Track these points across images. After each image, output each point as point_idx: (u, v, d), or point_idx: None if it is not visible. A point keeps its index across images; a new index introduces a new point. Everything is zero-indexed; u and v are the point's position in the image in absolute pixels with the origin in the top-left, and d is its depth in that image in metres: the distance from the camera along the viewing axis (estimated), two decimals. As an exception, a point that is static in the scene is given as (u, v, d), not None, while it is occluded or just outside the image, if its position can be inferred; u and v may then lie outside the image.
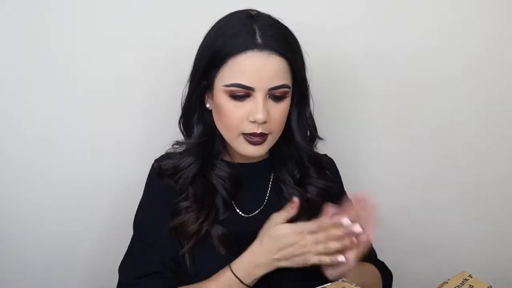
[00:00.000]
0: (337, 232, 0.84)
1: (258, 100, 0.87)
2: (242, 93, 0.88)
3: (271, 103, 0.90)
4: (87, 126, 1.21)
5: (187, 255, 0.93)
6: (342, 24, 1.23)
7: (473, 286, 0.77)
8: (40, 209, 1.23)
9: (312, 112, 1.00)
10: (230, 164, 0.98)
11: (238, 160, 0.99)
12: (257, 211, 0.98)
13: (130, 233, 1.00)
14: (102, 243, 1.25)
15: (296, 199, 0.87)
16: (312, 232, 0.85)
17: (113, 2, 1.17)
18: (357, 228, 0.84)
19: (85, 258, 1.26)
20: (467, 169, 1.32)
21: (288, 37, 0.91)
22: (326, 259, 0.84)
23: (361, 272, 0.91)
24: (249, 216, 0.98)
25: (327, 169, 1.03)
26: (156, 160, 1.01)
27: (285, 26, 0.92)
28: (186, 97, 0.97)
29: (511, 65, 1.29)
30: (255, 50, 0.87)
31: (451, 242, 1.36)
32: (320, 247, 0.84)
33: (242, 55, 0.87)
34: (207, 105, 0.96)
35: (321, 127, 1.02)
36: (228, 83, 0.88)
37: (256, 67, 0.87)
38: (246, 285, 0.87)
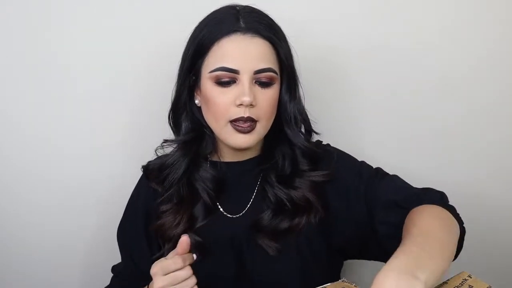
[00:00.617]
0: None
1: (243, 83, 0.87)
2: (227, 78, 0.88)
3: (258, 88, 0.89)
4: (82, 125, 1.22)
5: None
6: (336, 20, 1.23)
7: (472, 286, 0.77)
8: (37, 208, 1.24)
9: (304, 104, 0.99)
10: (217, 165, 0.97)
11: (227, 159, 0.98)
12: (242, 212, 0.97)
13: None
14: (97, 242, 1.26)
15: (184, 238, 0.82)
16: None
17: (105, 2, 1.17)
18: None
19: (81, 257, 1.27)
20: (466, 168, 1.32)
21: (272, 22, 0.92)
22: None
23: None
24: (234, 217, 0.97)
25: (322, 161, 0.98)
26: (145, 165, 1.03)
27: (268, 15, 0.93)
28: (175, 92, 0.97)
29: (511, 65, 1.29)
30: (239, 33, 0.88)
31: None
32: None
33: (226, 38, 0.88)
34: (196, 101, 0.95)
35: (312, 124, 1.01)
36: (213, 68, 0.88)
37: (240, 49, 0.87)
38: None
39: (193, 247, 0.90)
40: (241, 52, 0.87)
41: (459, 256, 1.33)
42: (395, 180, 0.97)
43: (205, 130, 0.96)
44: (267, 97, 0.90)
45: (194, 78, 0.93)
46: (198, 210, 0.95)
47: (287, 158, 0.96)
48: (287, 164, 0.96)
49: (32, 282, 1.27)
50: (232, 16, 0.90)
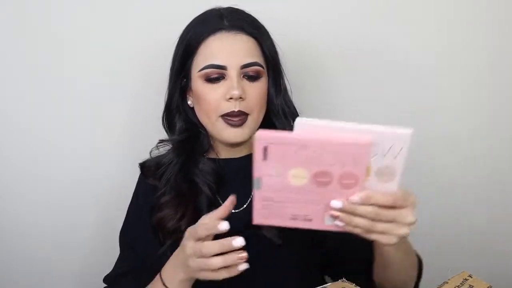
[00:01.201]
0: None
1: (232, 78, 0.90)
2: (216, 75, 0.91)
3: (246, 82, 0.92)
4: (80, 125, 1.22)
5: (169, 253, 0.93)
6: (326, 18, 1.23)
7: (473, 286, 0.77)
8: (35, 208, 1.24)
9: (291, 96, 1.00)
10: (214, 161, 0.99)
11: (223, 156, 1.00)
12: (243, 207, 0.98)
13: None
14: (95, 242, 1.26)
15: (232, 197, 0.78)
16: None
17: (103, 3, 1.17)
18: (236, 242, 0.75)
19: (79, 256, 1.27)
20: (465, 169, 1.32)
21: (255, 20, 0.96)
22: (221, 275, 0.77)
23: (409, 249, 0.88)
24: (234, 212, 0.97)
25: None
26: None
27: (250, 14, 0.96)
28: (168, 94, 0.99)
29: (510, 66, 1.29)
30: (223, 31, 0.92)
31: (451, 242, 1.35)
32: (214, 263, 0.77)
33: (212, 37, 0.92)
34: (189, 103, 0.98)
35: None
36: (202, 66, 0.91)
37: (225, 46, 0.91)
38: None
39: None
40: (227, 49, 0.91)
41: (459, 256, 1.34)
42: None
43: (199, 130, 0.98)
44: (256, 90, 0.93)
45: (185, 80, 0.96)
46: (201, 203, 0.96)
47: None
48: None
49: (31, 281, 1.27)
50: (216, 16, 0.94)
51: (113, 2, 1.17)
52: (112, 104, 1.21)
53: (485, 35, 1.26)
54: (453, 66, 1.27)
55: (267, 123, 0.98)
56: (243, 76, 0.92)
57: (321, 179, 0.64)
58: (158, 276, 0.86)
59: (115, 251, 1.04)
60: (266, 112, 0.97)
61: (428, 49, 1.26)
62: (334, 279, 0.90)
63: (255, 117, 0.93)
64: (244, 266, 0.76)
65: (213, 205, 0.96)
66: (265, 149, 0.64)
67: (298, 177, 0.65)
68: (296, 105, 1.01)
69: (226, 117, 0.91)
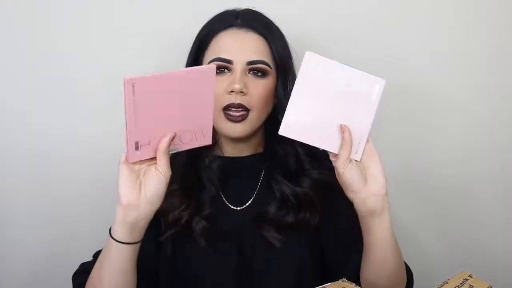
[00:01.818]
0: None
1: (236, 72, 0.92)
2: (222, 67, 0.92)
3: (251, 78, 0.94)
4: (82, 125, 1.22)
5: (169, 243, 0.96)
6: (334, 21, 1.24)
7: (473, 286, 0.77)
8: (36, 208, 1.25)
9: None
10: (220, 158, 1.00)
11: (228, 154, 1.01)
12: (246, 204, 1.00)
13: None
14: (97, 243, 1.25)
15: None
16: None
17: (108, 1, 1.17)
18: None
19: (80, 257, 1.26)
20: (465, 169, 1.33)
21: (269, 22, 0.98)
22: None
23: (397, 244, 0.90)
24: (238, 209, 1.00)
25: (323, 160, 0.99)
26: None
27: (267, 16, 0.99)
28: None
29: (510, 65, 1.29)
30: (235, 28, 0.95)
31: (451, 242, 1.36)
32: None
33: (222, 33, 0.95)
34: None
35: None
36: (210, 59, 0.94)
37: (234, 42, 0.94)
38: (114, 239, 0.81)
39: (200, 233, 0.94)
40: (235, 44, 0.94)
41: (460, 256, 1.34)
42: None
43: None
44: (260, 87, 0.94)
45: None
46: (204, 198, 0.97)
47: (290, 155, 0.99)
48: (291, 162, 0.99)
49: (31, 283, 1.27)
50: (231, 15, 0.97)
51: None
52: (115, 104, 1.20)
53: (485, 35, 1.26)
54: (454, 66, 1.27)
55: (276, 123, 0.96)
56: (248, 72, 0.93)
57: None
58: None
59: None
60: (276, 112, 0.98)
61: (430, 49, 1.26)
62: (331, 280, 0.91)
63: (257, 114, 0.94)
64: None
65: (216, 201, 0.98)
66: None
67: None
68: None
69: (226, 111, 0.92)
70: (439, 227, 1.35)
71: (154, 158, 0.78)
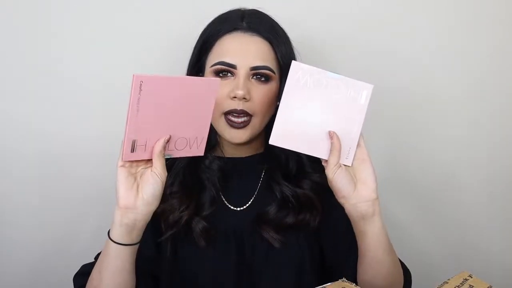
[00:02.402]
0: None
1: (239, 78, 0.91)
2: (225, 71, 0.92)
3: (254, 84, 0.93)
4: (86, 125, 1.22)
5: (168, 244, 0.96)
6: (336, 22, 1.23)
7: (473, 286, 0.77)
8: (38, 209, 1.24)
9: None
10: (220, 159, 1.01)
11: (229, 155, 1.01)
12: (246, 205, 1.00)
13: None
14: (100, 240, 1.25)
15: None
16: None
17: (110, 1, 1.17)
18: None
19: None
20: (465, 169, 1.32)
21: (274, 25, 0.97)
22: None
23: (390, 243, 0.91)
24: (238, 210, 1.00)
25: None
26: None
27: (273, 18, 0.98)
28: None
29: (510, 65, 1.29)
30: (240, 31, 0.94)
31: (451, 242, 1.36)
32: None
33: (227, 36, 0.94)
34: None
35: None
36: (214, 62, 0.93)
37: (238, 46, 0.93)
38: (113, 240, 0.82)
39: (200, 233, 0.94)
40: (240, 49, 0.92)
41: (459, 256, 1.34)
42: None
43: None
44: (263, 93, 0.93)
45: (200, 74, 0.98)
46: (204, 199, 0.97)
47: (291, 157, 0.99)
48: (292, 163, 0.99)
49: (31, 283, 1.27)
50: (237, 16, 0.95)
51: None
52: (119, 104, 1.20)
53: (485, 35, 1.26)
54: (454, 66, 1.27)
55: None
56: (252, 77, 0.93)
57: None
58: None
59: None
60: None
61: (432, 49, 1.26)
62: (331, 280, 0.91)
63: (259, 119, 0.94)
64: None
65: (216, 202, 0.98)
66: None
67: None
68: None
69: (228, 117, 0.92)
70: (438, 227, 1.35)
71: (149, 161, 0.80)
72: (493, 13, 1.25)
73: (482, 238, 1.35)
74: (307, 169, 0.99)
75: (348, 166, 0.85)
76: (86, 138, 1.22)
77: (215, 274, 0.96)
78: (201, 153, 0.85)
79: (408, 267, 1.19)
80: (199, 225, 0.95)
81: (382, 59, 1.25)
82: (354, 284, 0.80)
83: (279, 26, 0.98)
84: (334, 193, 0.85)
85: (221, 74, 0.92)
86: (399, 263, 0.95)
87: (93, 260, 0.97)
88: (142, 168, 0.80)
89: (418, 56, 1.26)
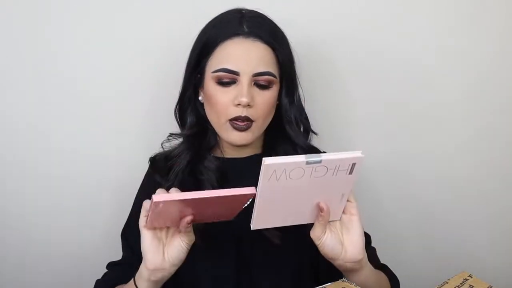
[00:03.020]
0: None
1: (243, 85, 0.92)
2: (228, 79, 0.92)
3: (256, 90, 0.93)
4: (88, 125, 1.21)
5: None
6: (337, 23, 1.23)
7: (473, 286, 0.77)
8: (42, 209, 1.24)
9: (303, 105, 1.02)
10: (220, 159, 1.01)
11: (228, 155, 1.02)
12: (246, 204, 0.99)
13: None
14: (105, 242, 1.26)
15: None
16: None
17: (113, 2, 1.17)
18: None
19: (88, 257, 1.27)
20: (465, 169, 1.32)
21: (274, 28, 0.97)
22: None
23: (378, 280, 0.92)
24: None
25: None
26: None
27: (272, 20, 0.97)
28: (182, 88, 1.01)
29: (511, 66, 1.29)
30: (241, 37, 0.93)
31: (451, 242, 1.35)
32: None
33: (229, 41, 0.93)
34: (200, 98, 1.00)
35: (313, 126, 1.05)
36: (216, 68, 0.93)
37: (241, 53, 0.92)
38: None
39: (197, 234, 0.93)
40: (242, 55, 0.92)
41: (459, 255, 1.34)
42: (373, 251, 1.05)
43: (208, 126, 1.00)
44: (265, 99, 0.94)
45: (199, 76, 0.98)
46: None
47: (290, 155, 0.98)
48: None
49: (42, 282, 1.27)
50: (237, 19, 0.94)
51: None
52: (121, 104, 1.22)
53: (486, 36, 1.26)
54: (457, 66, 1.27)
55: (279, 128, 1.00)
56: (254, 83, 0.93)
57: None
58: (132, 280, 0.88)
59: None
60: (279, 118, 0.99)
61: (432, 49, 1.26)
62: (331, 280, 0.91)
63: (260, 123, 0.95)
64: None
65: None
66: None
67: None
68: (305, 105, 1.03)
69: (233, 121, 0.93)
70: (438, 227, 1.35)
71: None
72: (494, 13, 1.25)
73: (482, 238, 1.35)
74: None
75: (337, 220, 0.84)
76: (85, 137, 1.22)
77: (214, 274, 0.96)
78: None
79: (408, 267, 1.20)
80: (196, 225, 0.94)
81: (382, 59, 1.25)
82: (353, 284, 0.80)
83: (278, 27, 0.98)
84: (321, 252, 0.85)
85: (224, 84, 0.93)
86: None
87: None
88: (167, 231, 0.83)
89: (418, 56, 1.26)
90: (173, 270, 0.83)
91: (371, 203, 1.29)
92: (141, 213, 0.81)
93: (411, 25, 1.24)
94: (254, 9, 0.98)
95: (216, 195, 0.74)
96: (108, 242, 1.22)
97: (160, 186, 0.99)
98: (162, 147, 1.06)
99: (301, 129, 1.02)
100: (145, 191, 1.05)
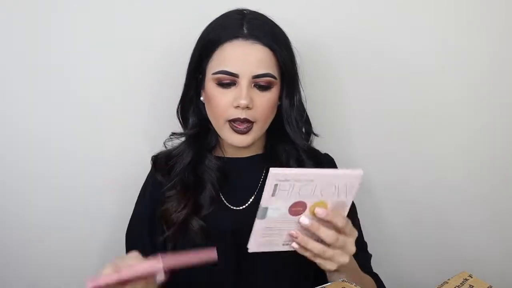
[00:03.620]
0: None
1: (242, 87, 0.92)
2: (228, 81, 0.93)
3: (256, 91, 0.94)
4: (89, 126, 1.21)
5: (169, 246, 0.98)
6: (337, 23, 1.23)
7: (473, 286, 0.77)
8: (42, 209, 1.24)
9: (305, 106, 1.02)
10: (221, 158, 1.02)
11: (229, 155, 1.03)
12: (246, 205, 1.01)
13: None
14: (109, 241, 1.26)
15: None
16: None
17: (114, 1, 1.17)
18: None
19: (91, 259, 1.27)
20: (466, 169, 1.32)
21: (275, 29, 0.97)
22: None
23: (362, 283, 0.92)
24: (237, 209, 1.00)
25: (324, 164, 1.04)
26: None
27: (273, 21, 0.98)
28: (184, 88, 1.02)
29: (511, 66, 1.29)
30: (240, 39, 0.93)
31: (451, 242, 1.35)
32: None
33: (228, 43, 0.93)
34: (201, 98, 1.01)
35: (314, 127, 1.05)
36: (215, 70, 0.93)
37: (240, 55, 0.92)
38: None
39: (197, 232, 0.96)
40: (241, 57, 0.92)
41: (459, 255, 1.34)
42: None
43: (209, 126, 1.01)
44: (265, 100, 0.94)
45: (201, 76, 0.98)
46: (204, 199, 0.99)
47: (292, 157, 1.01)
48: (292, 163, 1.00)
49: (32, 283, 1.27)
50: (237, 21, 0.94)
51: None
52: (123, 105, 1.22)
53: (487, 36, 1.26)
54: (457, 66, 1.27)
55: (279, 130, 1.00)
56: (253, 85, 0.93)
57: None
58: None
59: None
60: (279, 120, 1.00)
61: (433, 50, 1.26)
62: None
63: (261, 125, 0.96)
64: None
65: (215, 201, 0.99)
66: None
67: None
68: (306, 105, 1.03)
69: (232, 123, 0.94)
70: (438, 228, 1.35)
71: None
72: (494, 13, 1.25)
73: (482, 238, 1.35)
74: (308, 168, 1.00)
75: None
76: (85, 137, 1.22)
77: (214, 273, 0.96)
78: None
79: (408, 267, 1.20)
80: (196, 224, 0.96)
81: (382, 59, 1.25)
82: (354, 284, 0.80)
83: (279, 28, 0.98)
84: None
85: (224, 86, 0.93)
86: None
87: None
88: None
89: (419, 57, 1.26)
90: None
91: (371, 203, 1.30)
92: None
93: (411, 26, 1.24)
94: (255, 10, 0.98)
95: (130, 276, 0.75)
96: (110, 242, 1.23)
97: (161, 185, 1.01)
98: (165, 146, 1.07)
99: (303, 130, 1.02)
100: (147, 190, 1.06)
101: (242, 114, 0.92)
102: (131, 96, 1.21)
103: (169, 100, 1.07)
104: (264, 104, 0.94)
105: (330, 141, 1.14)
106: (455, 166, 1.32)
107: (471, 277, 0.79)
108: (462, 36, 1.25)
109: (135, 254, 0.81)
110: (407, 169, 1.32)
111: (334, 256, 0.80)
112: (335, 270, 0.83)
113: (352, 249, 0.82)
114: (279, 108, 1.00)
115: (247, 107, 0.92)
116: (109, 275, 0.75)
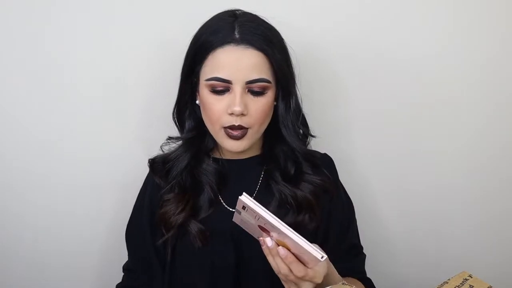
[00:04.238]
0: None
1: (235, 93, 0.90)
2: (221, 87, 0.91)
3: (250, 97, 0.92)
4: (87, 126, 1.21)
5: (169, 247, 0.99)
6: (334, 24, 1.23)
7: (473, 286, 0.77)
8: (42, 210, 1.24)
9: (301, 108, 1.02)
10: (218, 161, 1.02)
11: (227, 157, 1.02)
12: None
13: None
14: (107, 242, 1.26)
15: None
16: None
17: (111, 1, 1.17)
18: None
19: (90, 259, 1.27)
20: (466, 169, 1.32)
21: (267, 32, 0.93)
22: None
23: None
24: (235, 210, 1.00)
25: (322, 165, 1.03)
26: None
27: (267, 23, 0.95)
28: (178, 91, 1.01)
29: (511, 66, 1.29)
30: (232, 44, 0.90)
31: (451, 242, 1.35)
32: None
33: (220, 49, 0.91)
34: (197, 102, 0.99)
35: (313, 127, 1.05)
36: (208, 77, 0.91)
37: (233, 61, 0.90)
38: None
39: (195, 235, 0.96)
40: (234, 63, 0.90)
41: (459, 255, 1.34)
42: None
43: (206, 129, 1.00)
44: (259, 106, 0.93)
45: (195, 80, 0.97)
46: (202, 201, 0.98)
47: (289, 159, 1.00)
48: (290, 165, 1.00)
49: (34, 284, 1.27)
50: (229, 25, 0.92)
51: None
52: (120, 105, 1.22)
53: (487, 36, 1.26)
54: (457, 66, 1.27)
55: (275, 131, 1.00)
56: (247, 91, 0.92)
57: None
58: None
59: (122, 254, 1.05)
60: (275, 122, 0.99)
61: (433, 50, 1.26)
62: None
63: (256, 129, 0.95)
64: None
65: (214, 203, 0.98)
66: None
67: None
68: (303, 106, 1.03)
69: (227, 129, 0.93)
70: (438, 228, 1.35)
71: None
72: (494, 13, 1.25)
73: (482, 238, 1.35)
74: (306, 170, 1.00)
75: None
76: (84, 137, 1.22)
77: (213, 275, 0.97)
78: None
79: (408, 268, 1.20)
80: (195, 227, 0.96)
81: (382, 60, 1.25)
82: (354, 286, 0.80)
83: (273, 30, 0.95)
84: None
85: (217, 89, 0.92)
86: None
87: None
88: None
89: (418, 57, 1.25)
90: None
91: (371, 203, 1.30)
92: None
93: (410, 26, 1.24)
94: (250, 11, 0.95)
95: None
96: (110, 241, 1.23)
97: (159, 187, 1.01)
98: (162, 150, 1.06)
99: (300, 132, 1.02)
100: (146, 192, 1.06)
101: (236, 121, 0.91)
102: (128, 98, 1.21)
103: (169, 100, 1.05)
104: (259, 109, 0.92)
105: (330, 141, 1.14)
106: (455, 166, 1.32)
107: (471, 277, 0.79)
108: (462, 37, 1.25)
109: None
110: (407, 169, 1.32)
111: (298, 283, 0.83)
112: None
113: (317, 280, 0.83)
114: (275, 110, 0.99)
115: (242, 114, 0.91)
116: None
